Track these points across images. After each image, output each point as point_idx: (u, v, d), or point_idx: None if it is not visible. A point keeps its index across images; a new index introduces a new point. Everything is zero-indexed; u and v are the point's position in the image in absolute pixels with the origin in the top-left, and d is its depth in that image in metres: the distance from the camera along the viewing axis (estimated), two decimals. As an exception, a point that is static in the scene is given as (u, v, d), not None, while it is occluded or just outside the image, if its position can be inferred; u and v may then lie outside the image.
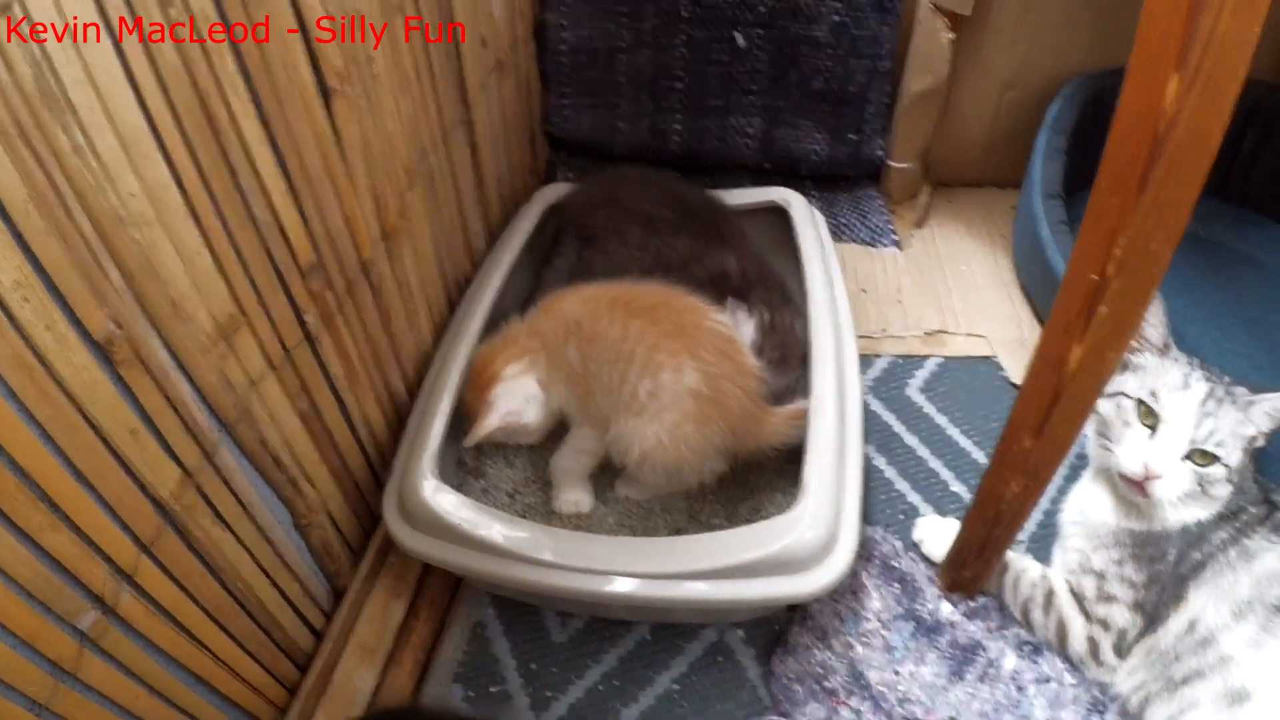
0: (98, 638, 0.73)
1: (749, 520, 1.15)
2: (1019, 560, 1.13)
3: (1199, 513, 1.01)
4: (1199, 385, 0.99)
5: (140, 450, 0.74)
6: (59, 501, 0.67)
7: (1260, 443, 1.00)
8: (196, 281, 0.79)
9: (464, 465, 1.25)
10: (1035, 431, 0.91)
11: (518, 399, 1.15)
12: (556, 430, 1.23)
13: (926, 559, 1.18)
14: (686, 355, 1.10)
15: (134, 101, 0.70)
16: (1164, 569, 1.01)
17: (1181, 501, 1.00)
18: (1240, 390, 1.00)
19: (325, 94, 0.95)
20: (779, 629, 1.12)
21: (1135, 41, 0.65)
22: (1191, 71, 0.63)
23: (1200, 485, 0.99)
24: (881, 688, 1.06)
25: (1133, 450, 1.02)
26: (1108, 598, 1.04)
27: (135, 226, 0.72)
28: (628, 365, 1.10)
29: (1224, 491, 1.00)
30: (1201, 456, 0.98)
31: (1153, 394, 1.01)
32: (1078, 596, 1.07)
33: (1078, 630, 1.06)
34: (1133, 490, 1.02)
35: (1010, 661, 1.08)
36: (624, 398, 1.11)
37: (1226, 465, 0.98)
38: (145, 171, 0.72)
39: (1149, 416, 1.01)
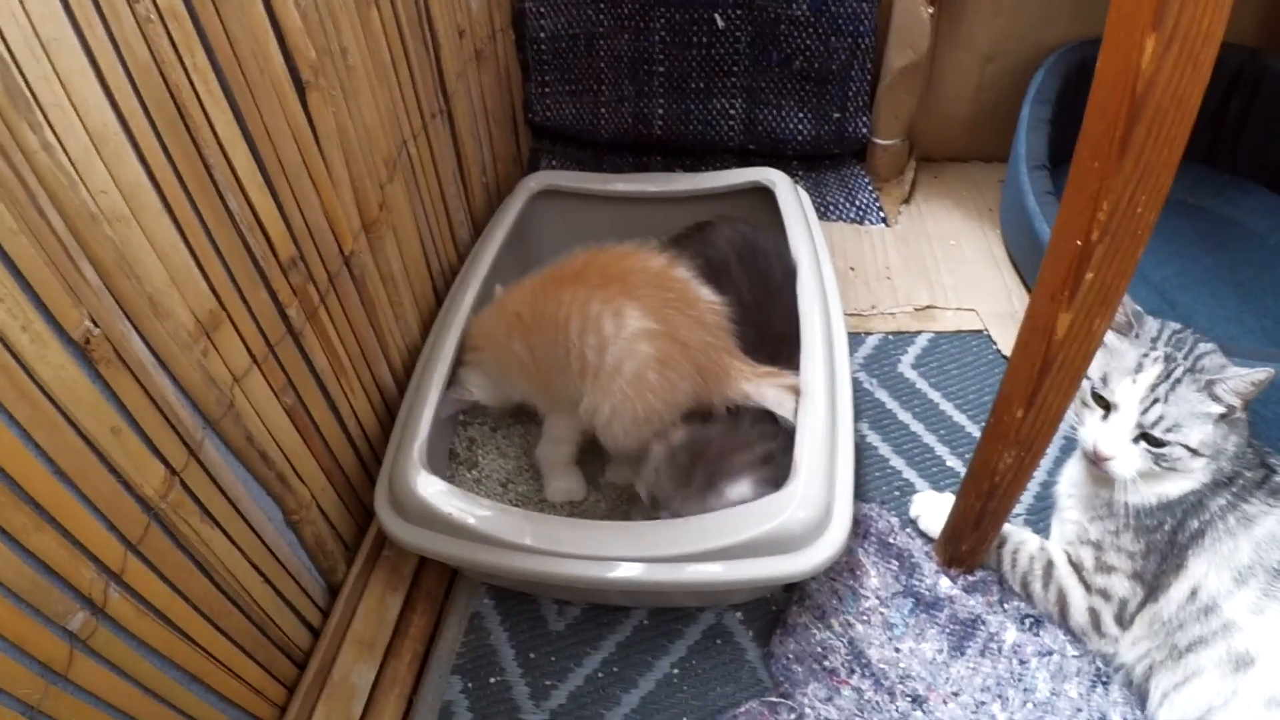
0: (88, 638, 0.72)
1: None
2: (1017, 533, 1.13)
3: (1180, 485, 1.00)
4: (1152, 368, 0.98)
5: (123, 449, 0.74)
6: (43, 502, 0.67)
7: (1237, 414, 0.99)
8: (174, 277, 0.78)
9: (456, 456, 1.25)
10: (1026, 402, 0.91)
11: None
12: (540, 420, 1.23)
13: (924, 535, 1.18)
14: (623, 298, 1.07)
15: (103, 98, 0.70)
16: (1161, 538, 1.01)
17: (1143, 479, 1.00)
18: (1209, 364, 0.99)
19: (299, 87, 0.94)
20: (777, 610, 1.12)
21: (1111, 3, 0.65)
22: (1168, 32, 0.62)
23: (1159, 465, 0.98)
24: (882, 665, 1.05)
25: (1089, 430, 1.02)
26: (1107, 568, 1.04)
27: (109, 223, 0.71)
28: (568, 332, 1.08)
29: (1195, 465, 0.99)
30: (1152, 440, 0.98)
31: (1104, 378, 1.00)
32: (1076, 567, 1.06)
33: (1078, 601, 1.05)
34: (1093, 466, 1.03)
35: (1011, 635, 1.07)
36: (575, 367, 1.09)
37: (1184, 445, 0.97)
38: (117, 168, 0.71)
39: (1101, 400, 1.01)
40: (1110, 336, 1.03)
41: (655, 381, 1.06)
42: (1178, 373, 0.97)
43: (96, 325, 0.70)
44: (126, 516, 0.75)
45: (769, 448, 1.05)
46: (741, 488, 1.01)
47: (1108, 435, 1.00)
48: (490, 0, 1.49)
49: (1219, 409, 0.97)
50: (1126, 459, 0.99)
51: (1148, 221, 0.73)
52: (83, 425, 0.69)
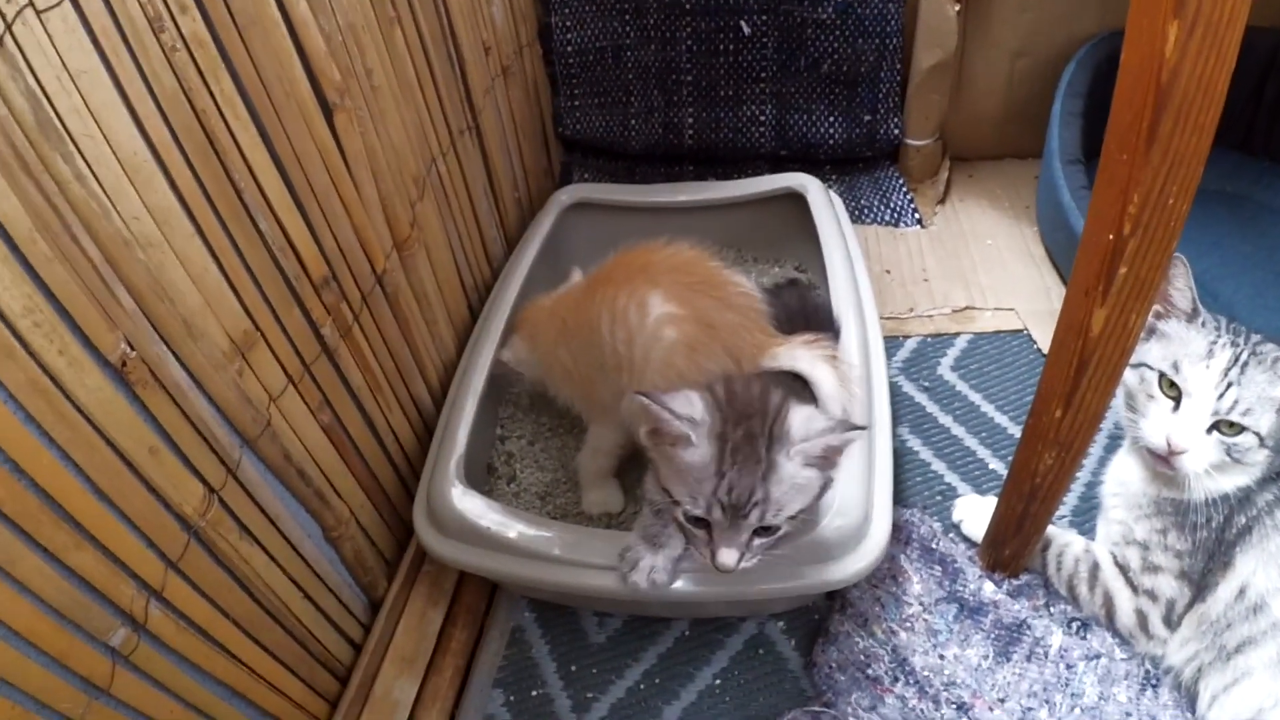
0: (129, 654, 0.73)
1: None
2: (1061, 535, 1.11)
3: (1237, 480, 0.98)
4: (1223, 353, 0.96)
5: (161, 468, 0.75)
6: (82, 521, 0.68)
7: None
8: (208, 300, 0.80)
9: (494, 470, 1.25)
10: (1064, 401, 0.89)
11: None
12: (580, 429, 1.23)
13: (967, 539, 1.16)
14: (648, 288, 1.06)
15: (132, 127, 0.71)
16: (1209, 536, 0.98)
17: (1211, 473, 0.97)
18: (1269, 348, 0.96)
19: (326, 109, 0.95)
20: (819, 618, 1.11)
21: (1133, -8, 0.64)
22: (1190, 18, 0.61)
23: (1230, 455, 0.96)
24: (926, 673, 1.04)
25: (1156, 424, 0.99)
26: (1153, 568, 1.02)
27: (142, 248, 0.72)
28: (600, 330, 1.08)
29: (1259, 457, 0.96)
30: (1228, 427, 0.95)
31: (1175, 365, 0.98)
32: (1123, 569, 1.04)
33: (1125, 603, 1.03)
34: (1159, 464, 0.99)
35: (1057, 639, 1.06)
36: (611, 364, 1.08)
37: (1256, 433, 0.94)
38: (148, 194, 0.73)
39: (1172, 389, 0.98)
40: (1174, 324, 1.01)
41: (684, 366, 1.04)
42: (1244, 356, 0.95)
43: (132, 348, 0.71)
44: (166, 534, 0.76)
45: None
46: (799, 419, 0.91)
47: (1181, 426, 0.96)
48: (516, 15, 1.50)
49: None
50: (1200, 452, 0.96)
51: (1180, 212, 0.72)
52: (121, 445, 0.71)
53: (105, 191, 0.69)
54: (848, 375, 1.05)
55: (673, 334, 1.04)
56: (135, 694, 0.74)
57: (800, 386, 1.03)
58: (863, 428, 0.86)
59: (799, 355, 1.04)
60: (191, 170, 0.77)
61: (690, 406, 0.87)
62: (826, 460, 0.88)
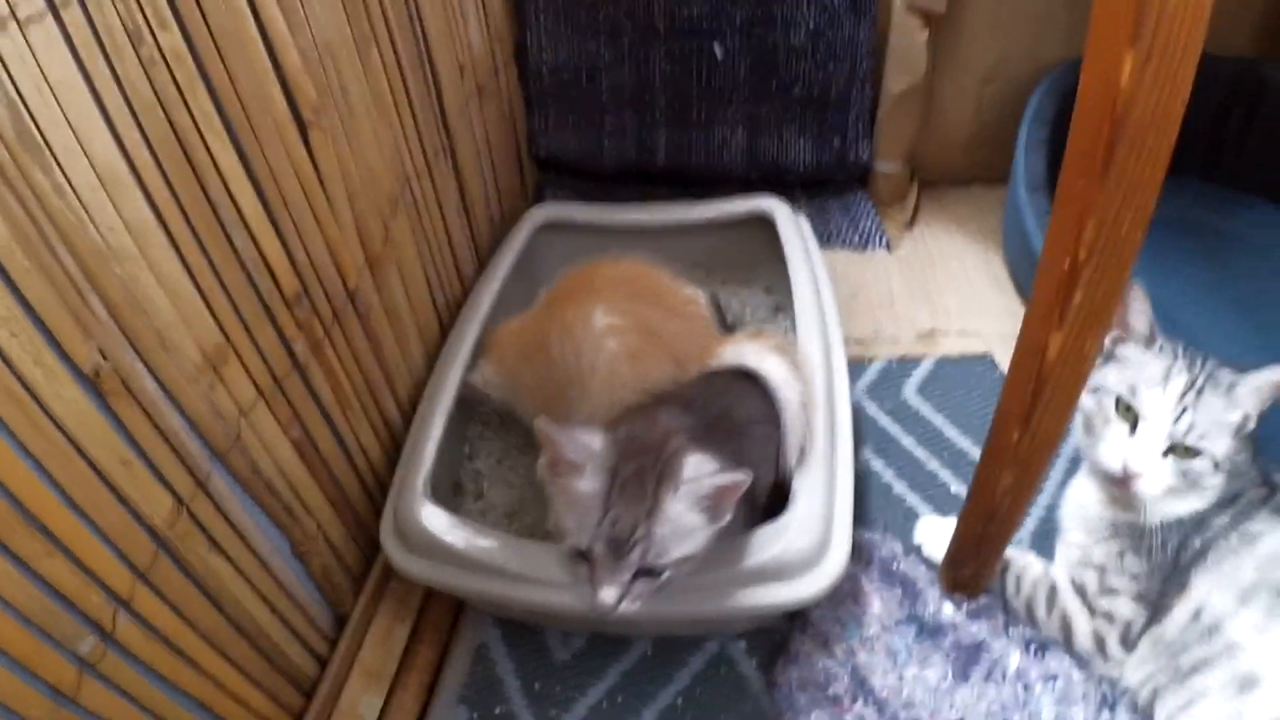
0: (96, 663, 0.73)
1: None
2: (1020, 557, 1.13)
3: (1193, 504, 1.00)
4: (1179, 377, 0.98)
5: (132, 479, 0.75)
6: (54, 529, 0.68)
7: (1251, 425, 0.99)
8: (181, 313, 0.80)
9: (462, 488, 1.26)
10: (1022, 423, 0.91)
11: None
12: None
13: (928, 561, 1.18)
14: (592, 302, 1.08)
15: (110, 139, 0.72)
16: (1165, 558, 1.00)
17: (1167, 496, 0.99)
18: (1224, 373, 0.99)
19: (302, 126, 0.96)
20: (781, 638, 1.12)
21: (1091, 21, 0.65)
22: (1146, 48, 0.63)
23: (1185, 479, 0.98)
24: (885, 693, 1.05)
25: (1113, 447, 1.01)
26: (1110, 591, 1.03)
27: (117, 261, 0.73)
28: (551, 349, 1.11)
29: (1215, 481, 0.98)
30: (1184, 451, 0.97)
31: (1132, 389, 1.00)
32: (1080, 591, 1.06)
33: (1082, 625, 1.05)
34: (1116, 487, 1.01)
35: (1016, 660, 1.07)
36: (563, 379, 1.10)
37: (1212, 457, 0.97)
38: (125, 207, 0.73)
39: (1128, 413, 1.00)
40: (1131, 349, 1.03)
41: (628, 375, 1.06)
42: (1200, 381, 0.97)
43: (106, 359, 0.72)
44: (135, 545, 0.77)
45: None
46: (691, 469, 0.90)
47: (1138, 450, 0.98)
48: (492, 36, 1.51)
49: (1239, 414, 0.96)
50: (1156, 476, 0.98)
51: (1135, 239, 0.73)
52: (93, 456, 0.71)
53: (82, 204, 0.69)
54: (798, 364, 1.07)
55: (615, 345, 1.07)
56: (102, 703, 0.74)
57: (754, 387, 1.04)
58: (746, 476, 0.84)
59: (745, 351, 1.06)
60: (167, 184, 0.78)
61: (589, 439, 0.88)
62: (716, 506, 0.87)
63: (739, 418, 1.01)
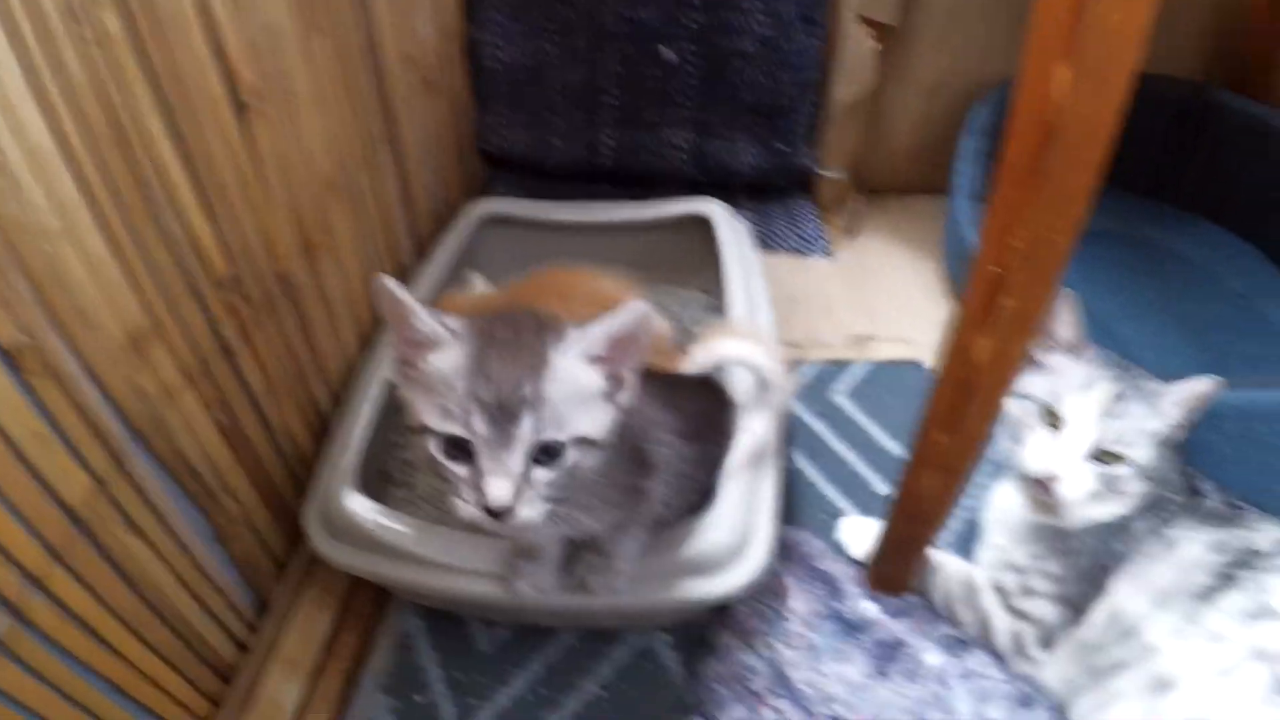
0: (10, 644, 0.73)
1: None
2: (942, 558, 1.15)
3: (1113, 509, 1.02)
4: (1103, 385, 1.01)
5: (50, 458, 0.75)
6: (-35, 507, 0.68)
7: (1180, 435, 1.02)
8: (105, 292, 0.80)
9: (390, 478, 1.26)
10: (948, 426, 0.93)
11: None
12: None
13: (850, 559, 1.20)
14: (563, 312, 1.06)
15: (39, 115, 0.71)
16: (1085, 562, 1.03)
17: (1088, 501, 1.01)
18: (1153, 384, 1.02)
19: (239, 109, 0.96)
20: (704, 632, 1.13)
21: (1028, 34, 0.67)
22: (1079, 62, 0.65)
23: (1107, 485, 1.00)
24: (805, 687, 1.07)
25: (1037, 452, 1.03)
26: (1029, 592, 1.06)
27: (42, 237, 0.72)
28: None
29: (1135, 488, 1.01)
30: (1107, 456, 1.00)
31: (1056, 395, 1.03)
32: (1000, 592, 1.08)
33: (1001, 625, 1.07)
34: (1038, 490, 1.04)
35: (935, 658, 1.09)
36: None
37: (1134, 464, 0.99)
38: (51, 184, 0.73)
39: (1053, 418, 1.03)
40: (1058, 357, 1.05)
41: None
42: (1127, 390, 1.00)
43: (27, 335, 0.71)
44: (52, 525, 0.76)
45: None
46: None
47: (1058, 454, 1.01)
48: (441, 30, 1.51)
49: (1164, 424, 0.99)
50: (1076, 480, 1.00)
51: (1064, 248, 0.75)
52: (9, 433, 0.71)
53: (7, 176, 0.69)
54: (770, 347, 1.06)
55: None
56: (14, 684, 0.73)
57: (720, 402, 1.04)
58: (643, 307, 0.71)
59: (725, 345, 1.05)
60: (96, 162, 0.77)
61: (447, 317, 0.74)
62: (614, 366, 0.74)
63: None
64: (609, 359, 0.74)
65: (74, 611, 0.80)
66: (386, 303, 0.71)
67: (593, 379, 0.73)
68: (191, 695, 0.99)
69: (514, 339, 0.71)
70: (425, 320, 0.71)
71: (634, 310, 0.72)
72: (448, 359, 0.71)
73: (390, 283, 0.70)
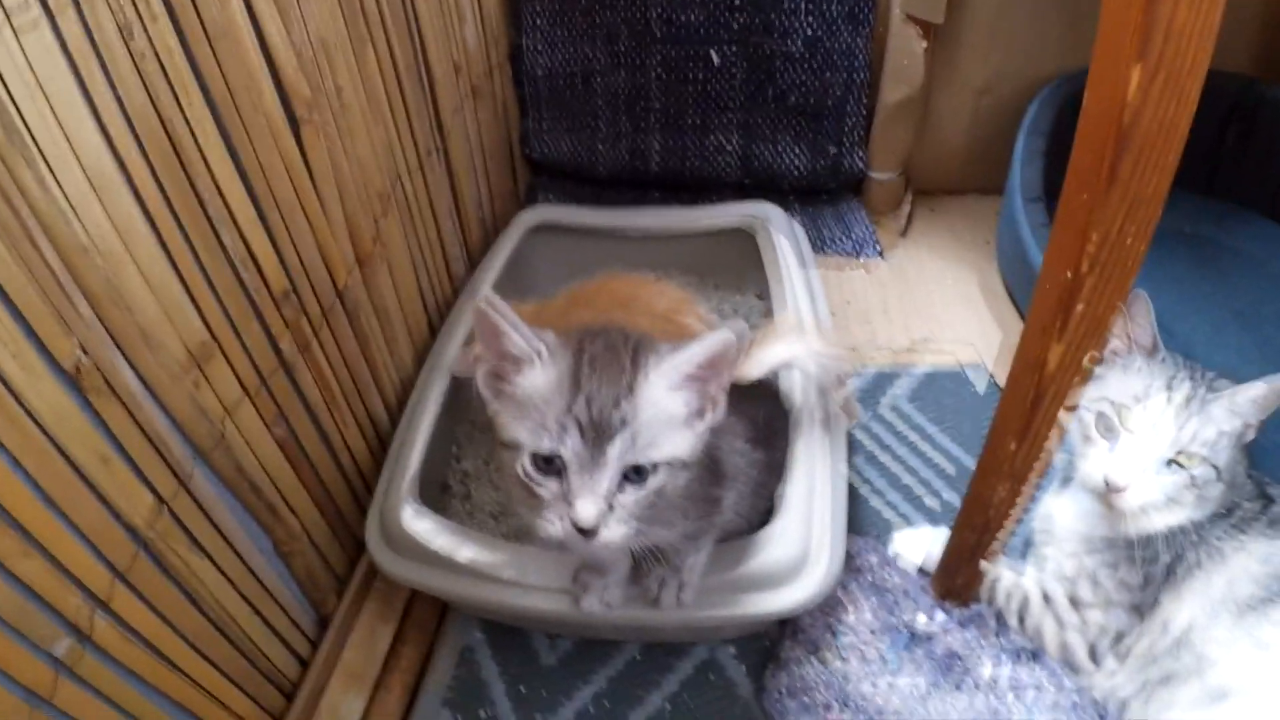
0: (73, 665, 0.72)
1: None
2: (996, 568, 1.12)
3: (1178, 516, 0.98)
4: (1182, 387, 0.97)
5: (112, 478, 0.74)
6: (30, 528, 0.67)
7: (1250, 435, 0.98)
8: (166, 310, 0.79)
9: (448, 489, 1.25)
10: (1019, 434, 0.91)
11: None
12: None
13: (906, 571, 1.17)
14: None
15: (98, 135, 0.71)
16: (1139, 571, 1.00)
17: (1153, 509, 0.98)
18: (1224, 383, 0.98)
19: (294, 123, 0.96)
20: (770, 644, 1.11)
21: (1097, 35, 0.65)
22: (1153, 62, 0.63)
23: (1181, 490, 0.97)
24: (868, 700, 1.05)
25: (1109, 458, 0.99)
26: (1081, 603, 1.03)
27: (101, 256, 0.72)
28: None
29: (1215, 491, 0.97)
30: (1187, 459, 0.96)
31: (1135, 398, 0.99)
32: (1051, 602, 1.06)
33: (1052, 635, 1.05)
34: (1112, 496, 1.00)
35: (1000, 669, 1.07)
36: None
37: (1215, 465, 0.96)
38: (111, 203, 0.73)
39: (1119, 426, 0.99)
40: (1135, 359, 1.02)
41: None
42: (1202, 391, 0.97)
43: (88, 355, 0.71)
44: (114, 545, 0.76)
45: None
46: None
47: (1122, 463, 0.97)
48: (488, 37, 1.51)
49: (1239, 423, 0.96)
50: (1142, 488, 0.96)
51: (1138, 252, 0.73)
52: (72, 453, 0.70)
53: (68, 199, 0.68)
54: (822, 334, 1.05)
55: None
56: (78, 705, 0.73)
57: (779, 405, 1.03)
58: (731, 334, 0.71)
59: (782, 347, 1.03)
60: (155, 180, 0.77)
61: (541, 331, 0.74)
62: (703, 387, 0.74)
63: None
64: (700, 378, 0.74)
65: (137, 631, 0.80)
66: (484, 322, 0.72)
67: (684, 400, 0.74)
68: (254, 712, 0.98)
69: (610, 359, 0.72)
70: (521, 338, 0.71)
71: (725, 337, 0.72)
72: (543, 376, 0.71)
73: (495, 301, 0.70)
